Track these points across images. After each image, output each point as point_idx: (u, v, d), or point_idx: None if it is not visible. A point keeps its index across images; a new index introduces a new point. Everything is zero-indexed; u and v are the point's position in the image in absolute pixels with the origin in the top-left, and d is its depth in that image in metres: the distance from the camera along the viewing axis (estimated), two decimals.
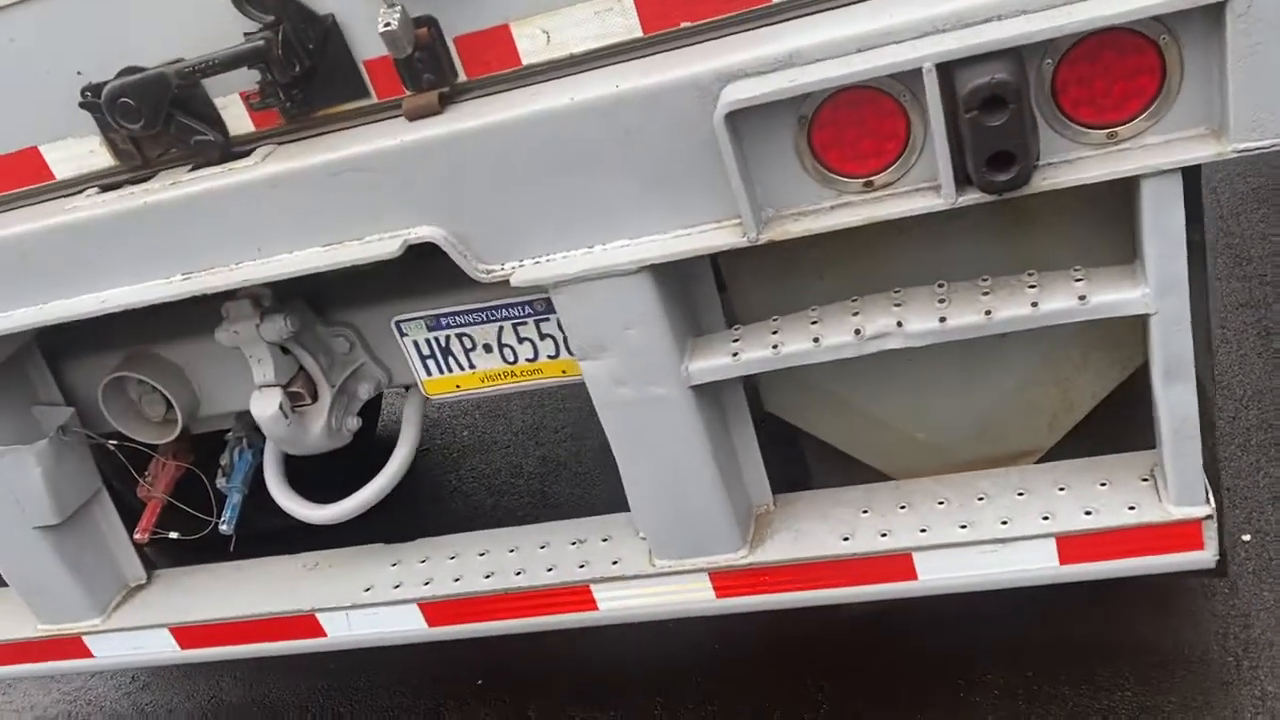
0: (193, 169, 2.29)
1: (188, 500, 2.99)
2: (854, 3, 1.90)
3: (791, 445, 2.67)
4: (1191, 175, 1.96)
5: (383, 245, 2.16)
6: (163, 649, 2.93)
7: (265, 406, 2.53)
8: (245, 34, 2.11)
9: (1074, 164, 1.85)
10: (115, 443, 2.84)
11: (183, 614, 2.91)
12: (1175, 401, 2.05)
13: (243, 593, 2.89)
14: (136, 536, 2.95)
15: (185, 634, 2.90)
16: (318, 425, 2.62)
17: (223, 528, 2.86)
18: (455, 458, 4.69)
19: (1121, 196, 1.99)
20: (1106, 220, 2.08)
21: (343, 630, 2.77)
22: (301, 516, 2.74)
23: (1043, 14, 1.72)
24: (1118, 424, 2.44)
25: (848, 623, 3.01)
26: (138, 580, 3.05)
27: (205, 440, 3.03)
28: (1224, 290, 4.00)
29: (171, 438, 2.81)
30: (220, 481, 2.90)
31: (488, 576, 2.63)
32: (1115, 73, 1.78)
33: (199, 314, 2.51)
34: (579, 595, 2.56)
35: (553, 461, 4.46)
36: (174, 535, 2.95)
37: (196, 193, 2.23)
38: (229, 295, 2.44)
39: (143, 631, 2.93)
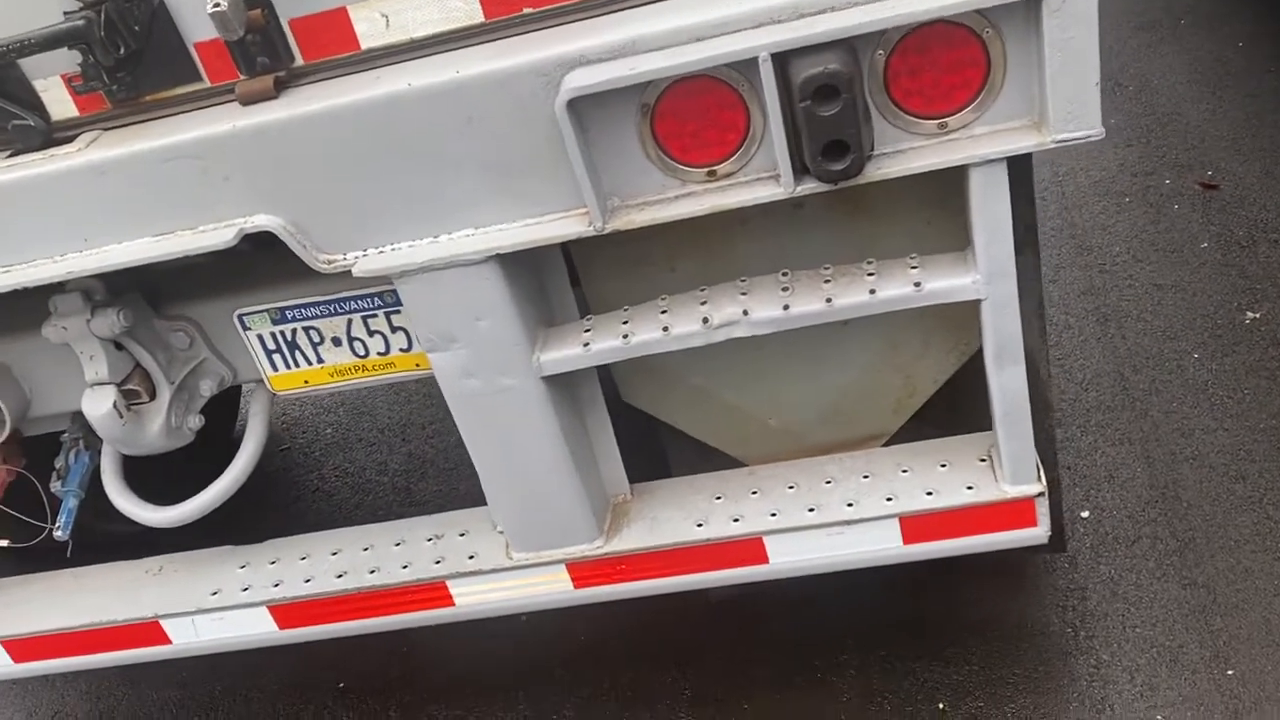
0: (11, 155, 2.16)
1: (22, 505, 2.84)
2: None
3: (651, 435, 2.68)
4: (1021, 163, 2.05)
5: (217, 235, 2.08)
6: None
7: (98, 405, 2.41)
8: (65, 13, 2.00)
9: (906, 154, 1.91)
10: None
11: (16, 625, 2.75)
12: (1006, 383, 2.13)
13: (81, 601, 2.76)
14: None
15: (19, 647, 2.75)
16: (156, 424, 2.51)
17: (57, 534, 2.71)
18: (318, 456, 4.57)
19: (955, 185, 2.06)
20: (942, 209, 2.15)
21: (189, 637, 2.67)
22: (141, 520, 2.63)
23: (873, 5, 1.76)
24: (961, 406, 2.53)
25: (707, 609, 3.05)
26: None
27: (39, 442, 2.88)
28: (1067, 278, 4.18)
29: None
30: (55, 485, 2.75)
31: (340, 576, 2.57)
32: (943, 65, 1.83)
33: (25, 308, 2.37)
34: (435, 591, 2.52)
35: (419, 458, 4.39)
36: (4, 543, 2.79)
37: (15, 180, 2.11)
38: (57, 288, 2.32)
39: None
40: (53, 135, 2.16)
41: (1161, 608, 2.91)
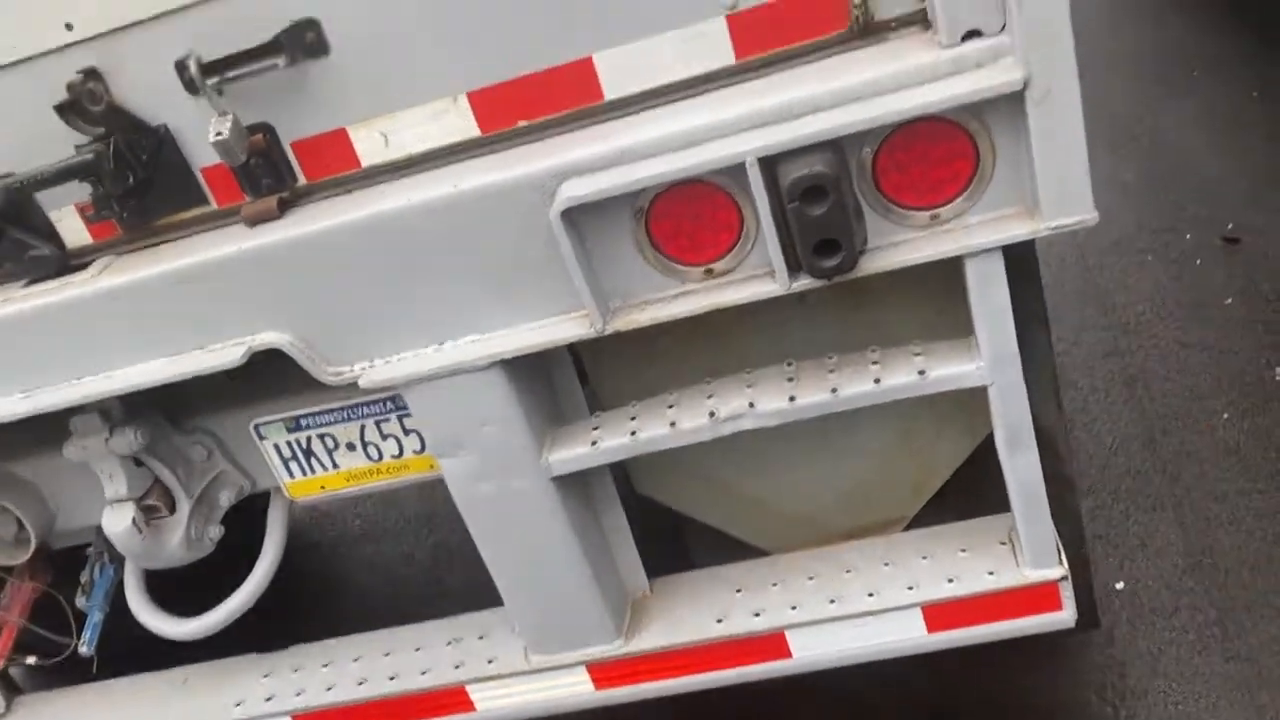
0: (28, 284, 2.22)
1: (49, 619, 2.86)
2: (685, 98, 1.93)
3: (669, 524, 2.67)
4: (1022, 247, 2.04)
5: (226, 354, 2.12)
6: None
7: (117, 522, 2.44)
8: (76, 146, 2.07)
9: (900, 246, 1.91)
10: None
11: None
12: (1020, 468, 2.10)
13: (109, 717, 2.76)
14: None
15: None
16: (176, 537, 2.53)
17: (83, 649, 2.74)
18: (346, 550, 4.58)
19: (953, 271, 2.05)
20: (942, 295, 2.13)
21: None
22: (164, 634, 2.64)
23: (857, 105, 1.77)
24: (979, 484, 2.49)
25: (734, 702, 2.99)
26: None
27: (65, 555, 2.91)
28: (1090, 340, 4.14)
29: (24, 559, 2.69)
30: (80, 600, 2.78)
31: (361, 683, 2.55)
32: (931, 159, 1.84)
33: (48, 427, 2.41)
34: (455, 697, 2.50)
35: (446, 548, 4.38)
36: (31, 660, 2.80)
37: (32, 309, 2.17)
38: (76, 409, 2.36)
39: None
40: (68, 263, 2.22)
41: (1204, 683, 2.82)
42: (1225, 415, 3.57)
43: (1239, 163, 4.82)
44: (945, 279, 2.09)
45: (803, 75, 1.87)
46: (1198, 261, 4.35)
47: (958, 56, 1.74)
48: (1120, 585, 3.14)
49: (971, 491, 2.53)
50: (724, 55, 1.91)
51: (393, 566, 4.41)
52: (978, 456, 2.46)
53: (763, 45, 1.90)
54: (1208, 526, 3.22)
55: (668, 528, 2.69)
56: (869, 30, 1.86)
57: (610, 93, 1.97)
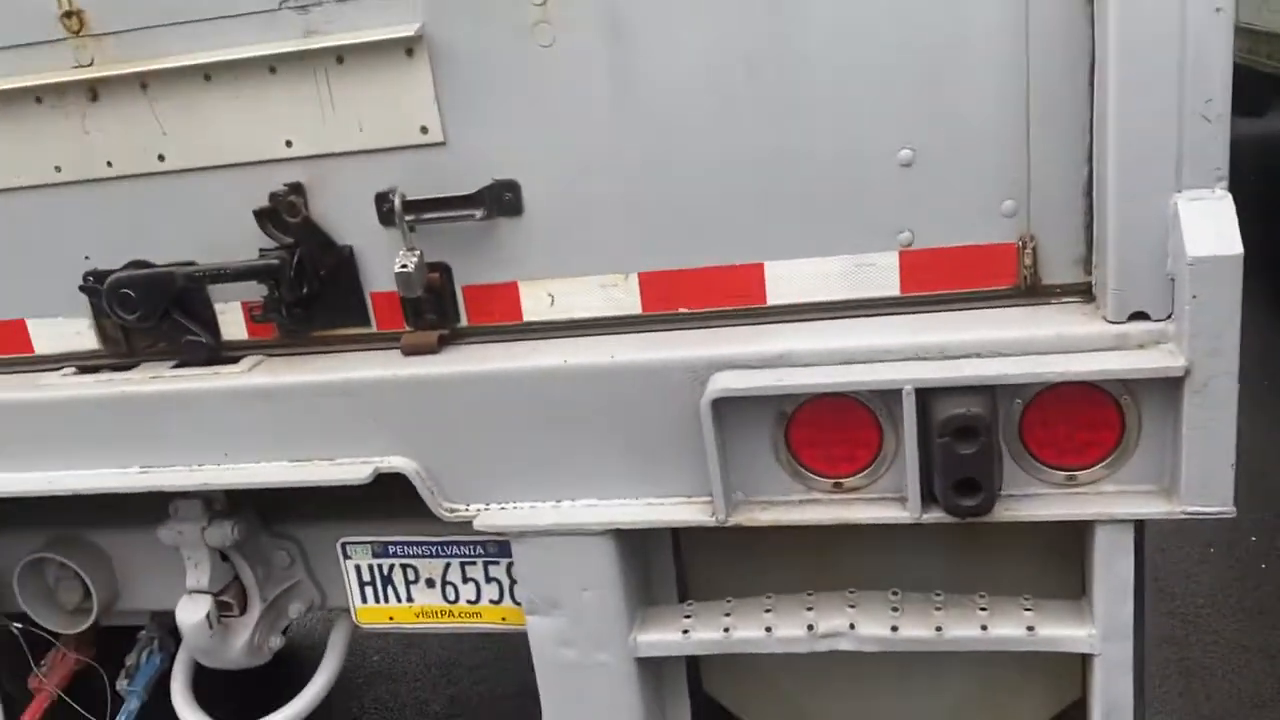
0: (176, 365, 2.31)
1: (80, 695, 2.81)
2: (845, 317, 2.03)
3: None
4: (1138, 522, 2.07)
5: (353, 470, 2.16)
6: None
7: (192, 614, 2.43)
8: (261, 250, 2.19)
9: (1033, 499, 1.95)
10: (20, 626, 2.68)
11: None
12: None
13: None
14: None
15: None
16: (241, 640, 2.51)
17: None
18: (361, 684, 4.47)
19: (1072, 531, 2.08)
20: (1059, 555, 2.16)
21: None
22: None
23: (1019, 359, 1.85)
24: None
25: None
26: None
27: (106, 634, 2.88)
28: (1149, 624, 4.07)
29: (82, 628, 2.67)
30: (121, 683, 2.75)
31: None
32: (1078, 422, 1.90)
33: (139, 503, 2.44)
34: None
35: (461, 703, 4.27)
36: None
37: (175, 390, 2.24)
38: (180, 492, 2.40)
39: None
40: (219, 353, 2.30)
41: None
42: None
43: None
44: (1059, 538, 2.12)
45: (963, 320, 1.96)
46: (1263, 565, 4.33)
47: (1121, 334, 1.83)
48: None
49: None
50: (890, 286, 2.01)
51: (404, 713, 4.29)
52: None
53: (929, 285, 2.00)
54: None
55: None
56: (1034, 291, 1.96)
57: (773, 299, 2.07)
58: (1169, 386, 1.83)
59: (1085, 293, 1.95)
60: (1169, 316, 1.81)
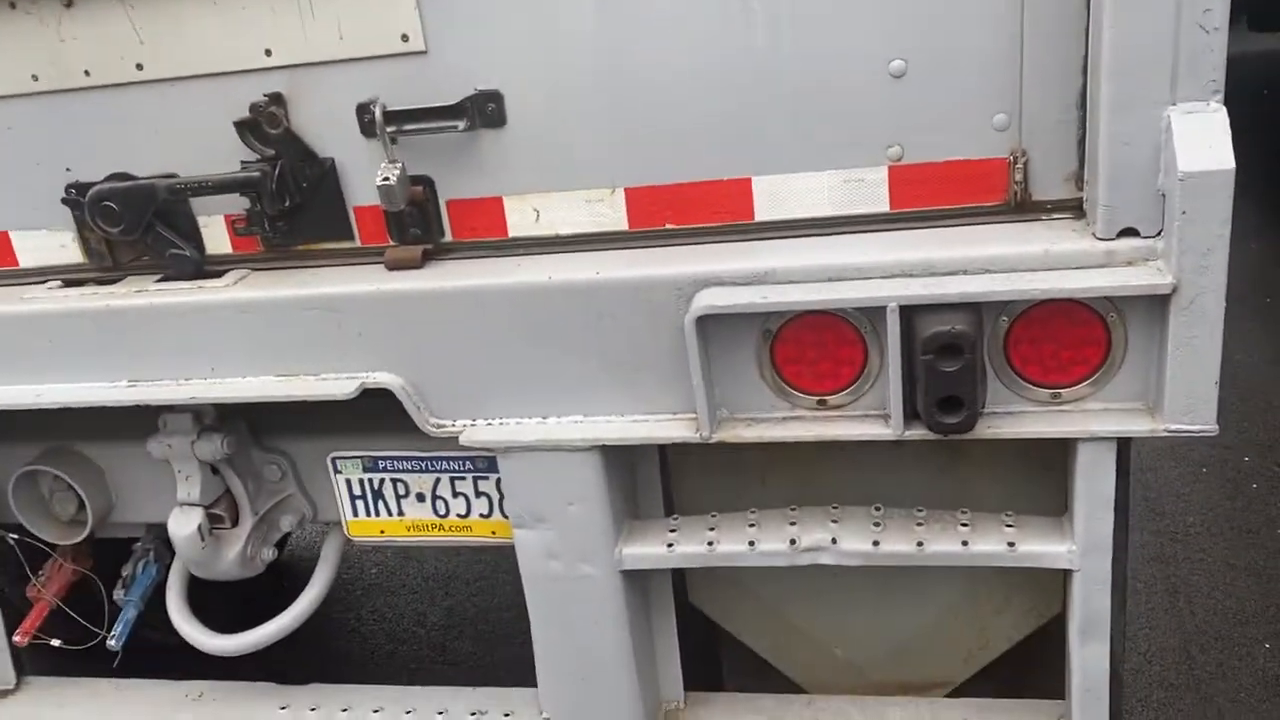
0: (161, 279, 2.29)
1: (76, 605, 2.86)
2: (832, 233, 2.00)
3: (707, 640, 2.65)
4: (1123, 440, 2.07)
5: (339, 385, 2.16)
6: None
7: (184, 526, 2.46)
8: (243, 162, 2.16)
9: (1017, 416, 1.95)
10: (15, 537, 2.72)
11: None
12: (1089, 658, 2.09)
13: (118, 715, 2.73)
14: (16, 638, 2.79)
15: None
16: (233, 552, 2.54)
17: (111, 643, 2.73)
18: (359, 595, 4.55)
19: (1055, 450, 2.08)
20: (1040, 468, 2.16)
21: None
22: (198, 644, 2.63)
23: (1005, 275, 1.83)
24: (1029, 667, 2.47)
25: None
26: (5, 685, 2.86)
27: (103, 545, 2.92)
28: (1136, 542, 4.12)
29: (78, 539, 2.70)
30: (118, 593, 2.79)
31: None
32: (1064, 340, 1.89)
33: (130, 416, 2.45)
34: None
35: (459, 615, 4.35)
36: (56, 643, 2.80)
37: (161, 304, 2.23)
38: (169, 406, 2.40)
39: None
40: (204, 267, 2.29)
41: None
42: (1267, 645, 3.54)
43: None
44: (1041, 456, 2.12)
45: (952, 236, 1.94)
46: (1254, 485, 4.36)
47: (1110, 250, 1.81)
48: None
49: (1018, 671, 2.51)
50: (879, 202, 1.99)
51: (402, 623, 4.37)
52: (1028, 638, 2.45)
53: (919, 201, 1.97)
54: None
55: (702, 642, 2.67)
56: (1024, 207, 1.93)
57: (761, 214, 2.05)
58: (1156, 304, 1.81)
59: (1076, 209, 1.92)
60: (1158, 233, 1.78)
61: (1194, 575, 3.92)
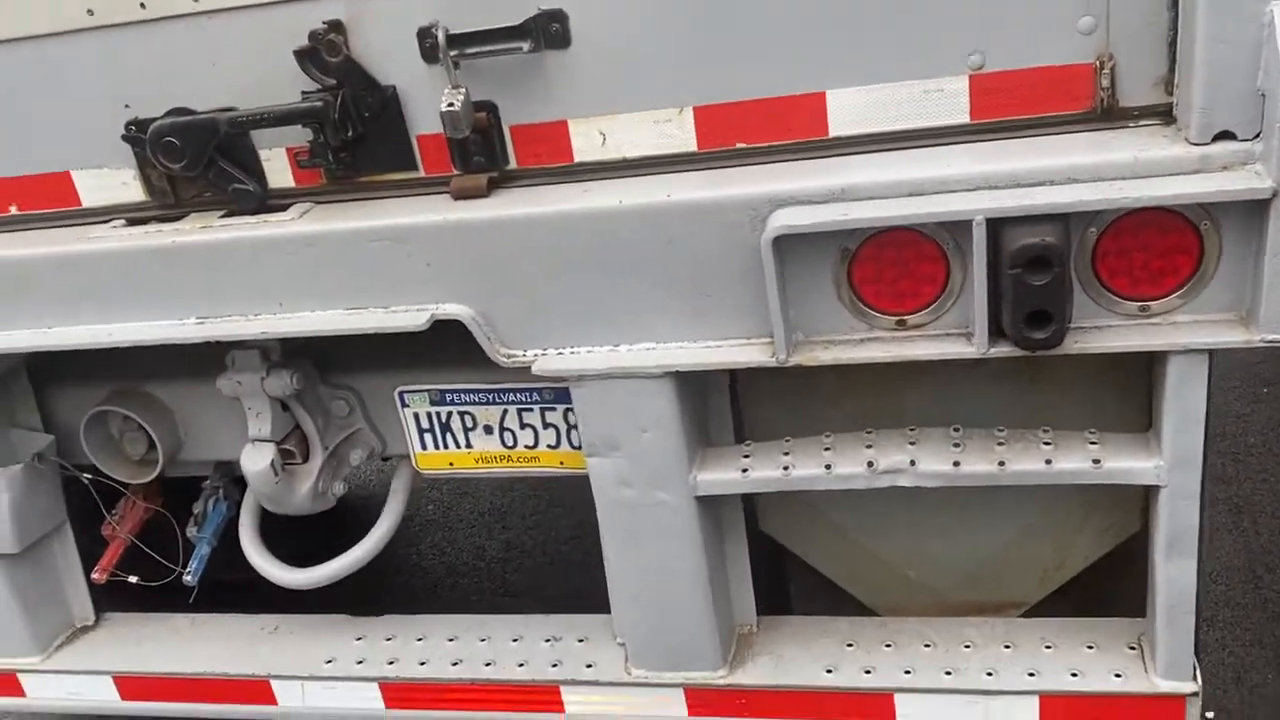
0: (225, 215, 2.28)
1: (151, 544, 2.91)
2: (911, 147, 1.95)
3: (776, 566, 2.65)
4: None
5: (409, 317, 2.15)
6: (102, 697, 2.81)
7: (256, 461, 2.47)
8: (304, 92, 2.13)
9: (1104, 331, 1.90)
10: (90, 476, 2.75)
11: (130, 663, 2.79)
12: (1175, 575, 2.07)
13: (197, 649, 2.79)
14: (95, 576, 2.85)
15: (129, 684, 2.78)
16: (305, 486, 2.56)
17: (186, 578, 2.78)
18: (417, 531, 4.61)
19: (1138, 367, 2.04)
20: (1122, 386, 2.12)
21: (295, 701, 2.67)
22: (272, 578, 2.67)
23: (1093, 185, 1.77)
24: (1104, 587, 2.46)
25: None
26: (85, 621, 2.93)
27: (173, 484, 2.96)
28: None
29: (149, 478, 2.74)
30: (191, 530, 2.83)
31: (455, 664, 2.56)
32: (1154, 250, 1.83)
33: (197, 356, 2.46)
34: (547, 695, 2.50)
35: (517, 548, 4.39)
36: (133, 579, 2.85)
37: (227, 239, 2.22)
38: (236, 343, 2.41)
39: (84, 676, 2.80)
40: (267, 202, 2.27)
41: None
42: None
43: None
44: (1125, 370, 2.08)
45: (1038, 146, 1.88)
46: None
47: (1205, 155, 1.74)
48: (1210, 715, 3.07)
49: (1090, 590, 2.50)
50: (960, 113, 1.93)
51: (461, 556, 4.42)
52: (1104, 559, 2.43)
53: (1001, 111, 1.91)
54: None
55: (770, 568, 2.68)
56: (1111, 115, 1.87)
57: (836, 130, 1.99)
58: (1253, 210, 1.75)
59: (1165, 115, 1.85)
60: (1257, 135, 1.72)
61: (1256, 495, 3.87)
